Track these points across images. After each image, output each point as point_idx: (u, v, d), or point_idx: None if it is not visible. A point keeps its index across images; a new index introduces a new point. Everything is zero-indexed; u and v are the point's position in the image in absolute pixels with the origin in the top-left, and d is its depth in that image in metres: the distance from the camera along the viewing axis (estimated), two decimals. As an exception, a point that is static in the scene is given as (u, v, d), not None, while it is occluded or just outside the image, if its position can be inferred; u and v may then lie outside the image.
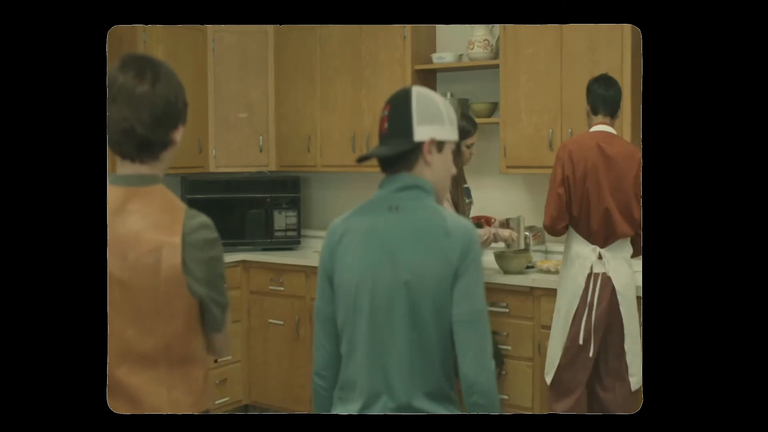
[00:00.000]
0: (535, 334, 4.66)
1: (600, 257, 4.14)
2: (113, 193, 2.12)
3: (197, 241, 2.10)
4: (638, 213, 4.09)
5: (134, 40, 5.44)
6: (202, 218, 2.16)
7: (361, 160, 2.30)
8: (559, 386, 4.25)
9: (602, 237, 4.15)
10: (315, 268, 5.46)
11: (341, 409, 2.23)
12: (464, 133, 4.52)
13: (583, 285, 4.16)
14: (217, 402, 5.55)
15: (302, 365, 5.46)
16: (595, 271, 4.14)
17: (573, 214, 4.21)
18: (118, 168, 2.16)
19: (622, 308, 4.09)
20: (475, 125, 4.61)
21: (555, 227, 4.27)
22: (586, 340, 4.12)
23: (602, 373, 4.19)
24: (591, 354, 4.13)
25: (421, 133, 2.24)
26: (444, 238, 2.21)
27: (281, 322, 5.65)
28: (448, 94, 5.48)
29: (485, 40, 5.30)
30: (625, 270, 4.14)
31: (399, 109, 2.26)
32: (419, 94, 2.27)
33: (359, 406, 2.20)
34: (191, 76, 5.79)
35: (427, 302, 2.19)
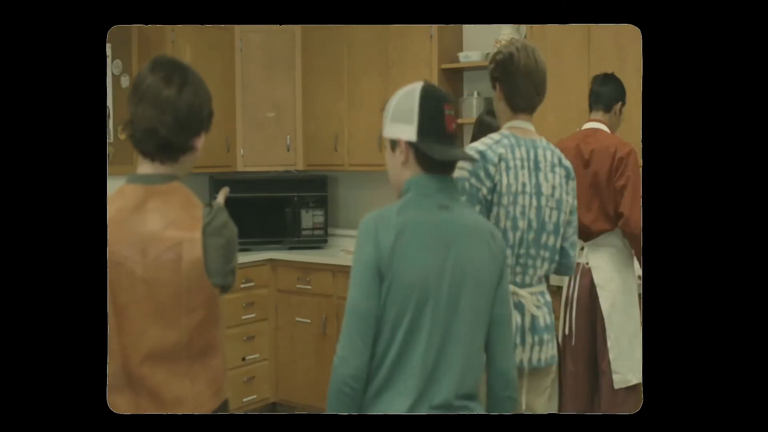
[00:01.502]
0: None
1: (582, 249, 4.17)
2: (132, 192, 2.16)
3: (215, 228, 2.15)
4: (612, 208, 4.08)
5: (162, 40, 5.49)
6: (215, 206, 2.20)
7: (452, 163, 2.30)
8: (563, 380, 4.30)
9: (583, 234, 4.15)
10: (342, 266, 5.50)
11: (385, 409, 2.19)
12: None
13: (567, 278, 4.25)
14: (244, 400, 5.59)
15: (329, 363, 5.45)
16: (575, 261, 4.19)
17: None
18: (139, 167, 2.20)
19: (601, 302, 4.09)
20: None
21: None
22: (570, 330, 4.15)
23: (598, 369, 4.19)
24: (573, 343, 4.15)
25: None
26: (491, 240, 2.29)
27: (308, 321, 5.68)
28: (475, 93, 5.49)
29: (512, 38, 5.28)
30: (608, 264, 4.13)
31: (455, 113, 2.30)
32: None
33: (408, 406, 2.16)
34: (219, 76, 5.83)
35: (481, 301, 2.24)
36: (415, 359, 2.17)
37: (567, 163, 3.09)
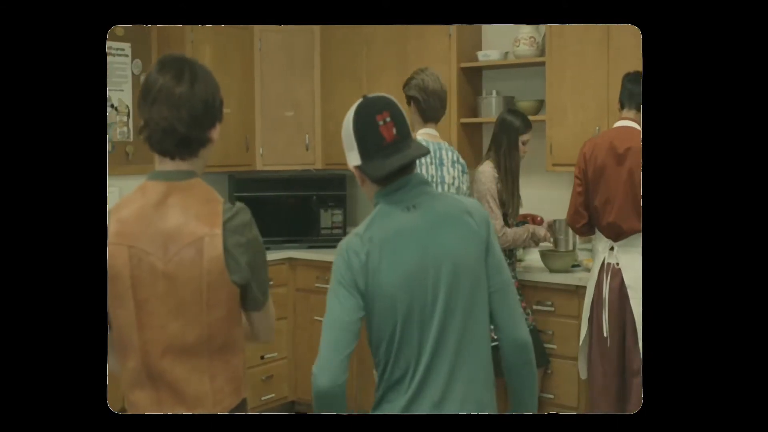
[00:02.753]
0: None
1: (612, 249, 4.18)
2: (154, 188, 2.18)
3: (236, 226, 2.16)
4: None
5: (182, 40, 5.53)
6: (237, 204, 2.22)
7: (409, 164, 2.30)
8: (594, 382, 4.29)
9: (613, 233, 4.18)
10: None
11: (389, 410, 2.25)
12: (518, 130, 4.65)
13: (596, 277, 4.24)
14: (263, 398, 5.62)
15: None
16: (606, 262, 4.20)
17: (590, 212, 4.30)
18: (157, 165, 2.23)
19: (632, 302, 4.08)
20: (529, 123, 4.69)
21: (574, 225, 4.43)
22: (606, 331, 4.16)
23: (627, 370, 4.19)
24: (608, 345, 4.15)
25: None
26: (468, 217, 2.32)
27: (326, 320, 5.68)
28: (494, 92, 5.47)
29: (531, 37, 5.28)
30: (638, 264, 4.07)
31: (398, 114, 2.30)
32: None
33: (404, 404, 2.22)
34: (238, 76, 5.87)
35: (473, 283, 2.28)
36: (411, 364, 2.23)
37: (462, 161, 4.20)
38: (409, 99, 4.20)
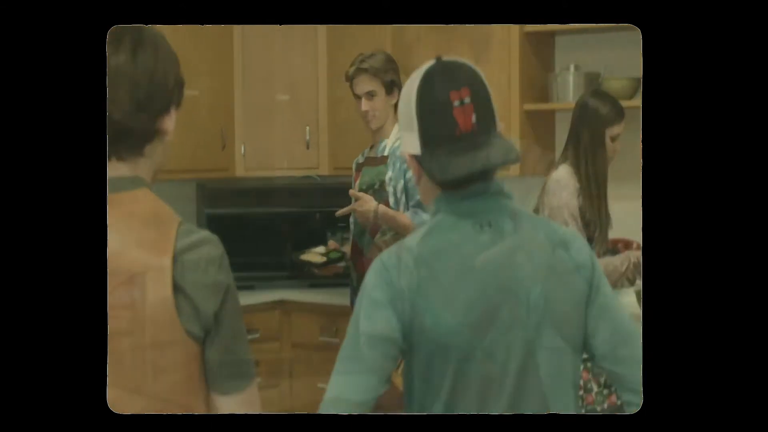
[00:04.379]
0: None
1: None
2: None
3: (196, 261, 2.22)
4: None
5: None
6: (203, 233, 2.28)
7: (486, 171, 2.39)
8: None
9: None
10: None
11: None
12: (605, 120, 4.88)
13: None
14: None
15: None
16: None
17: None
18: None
19: None
20: (620, 110, 4.94)
21: None
22: None
23: None
24: None
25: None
26: (563, 251, 2.45)
27: (337, 390, 5.80)
28: (572, 67, 5.83)
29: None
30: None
31: (483, 95, 2.39)
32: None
33: None
34: (212, 45, 6.07)
35: (562, 338, 2.40)
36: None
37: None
38: (391, 85, 5.20)
